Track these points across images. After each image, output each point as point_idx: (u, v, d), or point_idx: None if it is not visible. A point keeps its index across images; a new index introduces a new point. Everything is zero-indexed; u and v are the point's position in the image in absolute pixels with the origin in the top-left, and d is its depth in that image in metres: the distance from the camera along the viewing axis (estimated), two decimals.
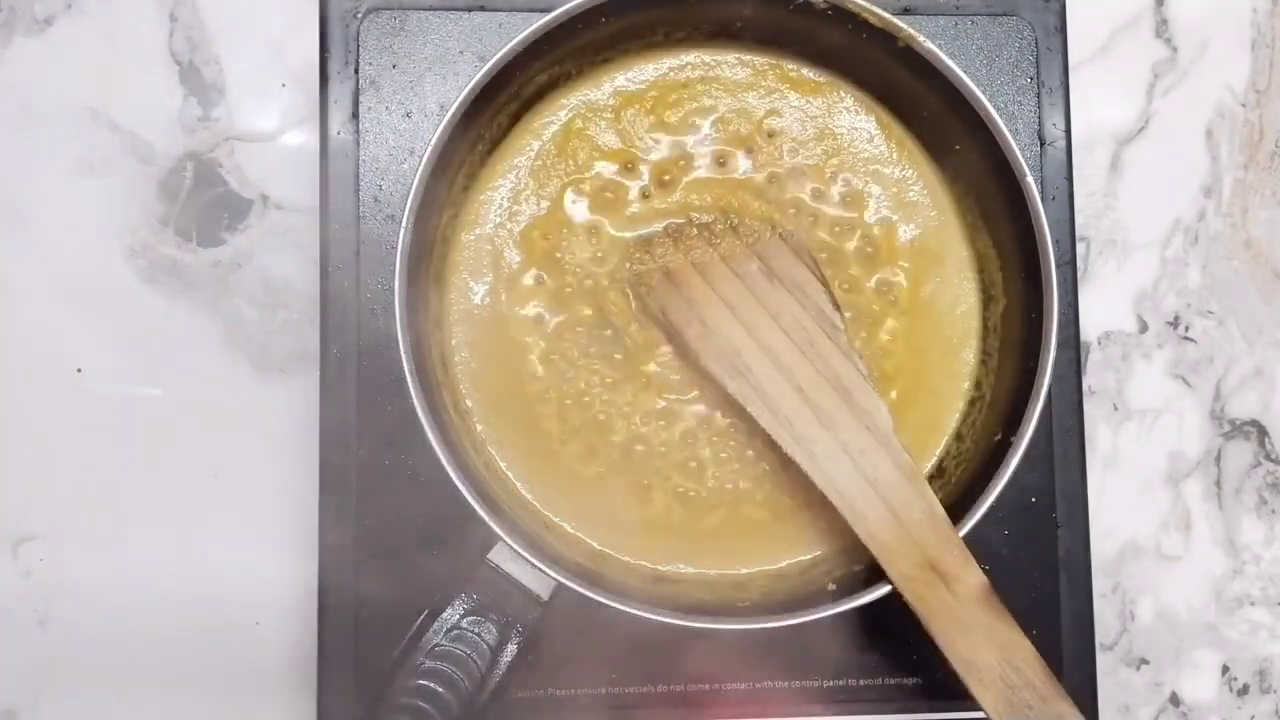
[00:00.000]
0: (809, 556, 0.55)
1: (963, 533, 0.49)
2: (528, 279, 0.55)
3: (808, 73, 0.57)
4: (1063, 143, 0.58)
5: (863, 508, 0.49)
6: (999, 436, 0.51)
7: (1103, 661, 0.61)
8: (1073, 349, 0.57)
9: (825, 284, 0.53)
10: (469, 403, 0.54)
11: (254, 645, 0.59)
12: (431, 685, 0.48)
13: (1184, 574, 0.63)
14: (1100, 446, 0.63)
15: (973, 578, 0.48)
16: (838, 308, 0.52)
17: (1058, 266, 0.50)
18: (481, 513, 0.47)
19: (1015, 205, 0.51)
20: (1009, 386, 0.53)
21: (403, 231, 0.49)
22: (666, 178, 0.56)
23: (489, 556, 0.49)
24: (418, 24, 0.55)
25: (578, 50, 0.54)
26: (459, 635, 0.48)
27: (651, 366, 0.55)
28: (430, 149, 0.49)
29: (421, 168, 0.49)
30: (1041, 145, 0.57)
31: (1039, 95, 0.58)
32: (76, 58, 0.61)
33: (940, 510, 0.49)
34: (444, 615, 0.49)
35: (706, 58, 0.57)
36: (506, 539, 0.48)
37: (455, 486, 0.48)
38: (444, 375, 0.54)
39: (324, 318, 0.54)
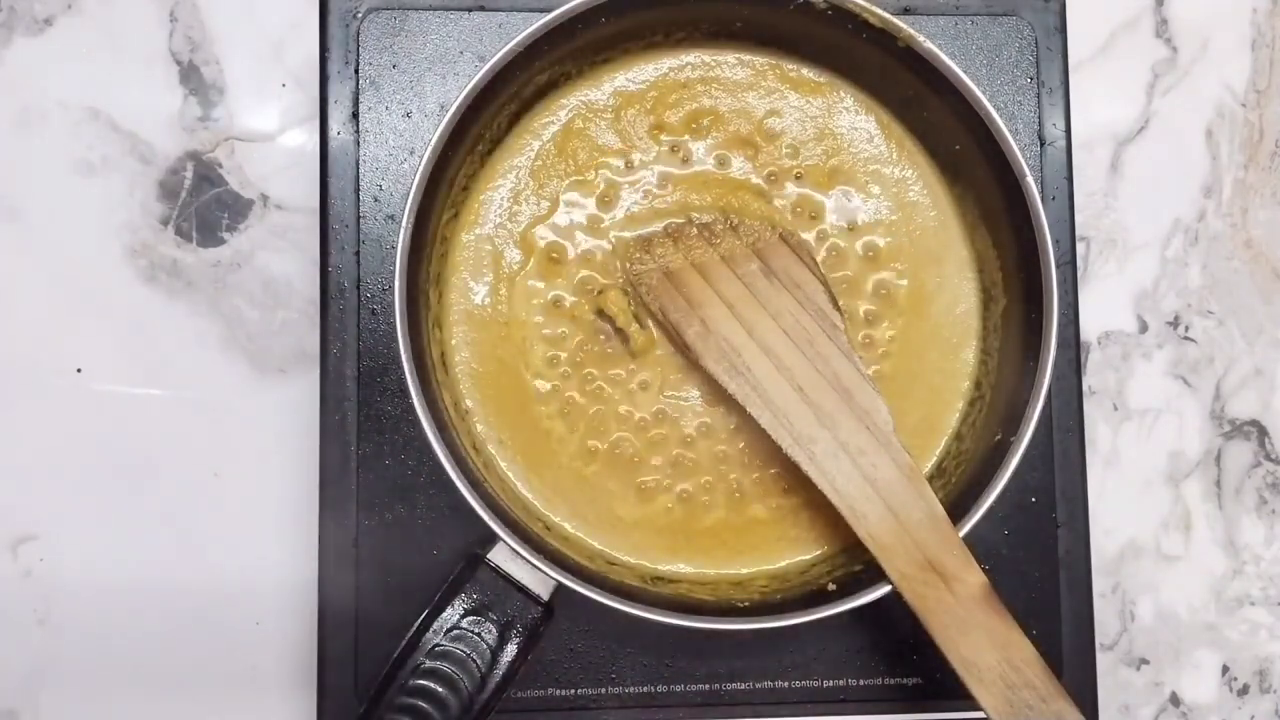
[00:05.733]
0: (809, 556, 0.55)
1: (963, 533, 0.49)
2: (528, 279, 0.55)
3: (808, 73, 0.57)
4: (1063, 143, 0.58)
5: (863, 508, 0.49)
6: (999, 436, 0.51)
7: (1103, 661, 0.61)
8: (1073, 349, 0.57)
9: (825, 284, 0.53)
10: (469, 403, 0.54)
11: (254, 645, 0.59)
12: (431, 685, 0.48)
13: (1184, 574, 0.63)
14: (1100, 446, 0.63)
15: (973, 578, 0.48)
16: (837, 307, 0.52)
17: (1058, 266, 0.50)
18: (481, 513, 0.48)
19: (1015, 205, 0.51)
20: (1009, 386, 0.53)
21: (403, 231, 0.49)
22: (666, 178, 0.56)
23: (489, 556, 0.49)
24: (418, 24, 0.55)
25: (578, 50, 0.54)
26: (459, 635, 0.48)
27: (651, 366, 0.55)
28: (430, 149, 0.49)
29: (421, 168, 0.49)
30: (1041, 145, 0.57)
31: (1039, 95, 0.58)
32: (76, 58, 0.61)
33: (940, 510, 0.49)
34: (444, 615, 0.49)
35: (706, 58, 0.57)
36: (506, 539, 0.48)
37: (455, 486, 0.48)
38: (444, 375, 0.54)
39: (324, 318, 0.54)
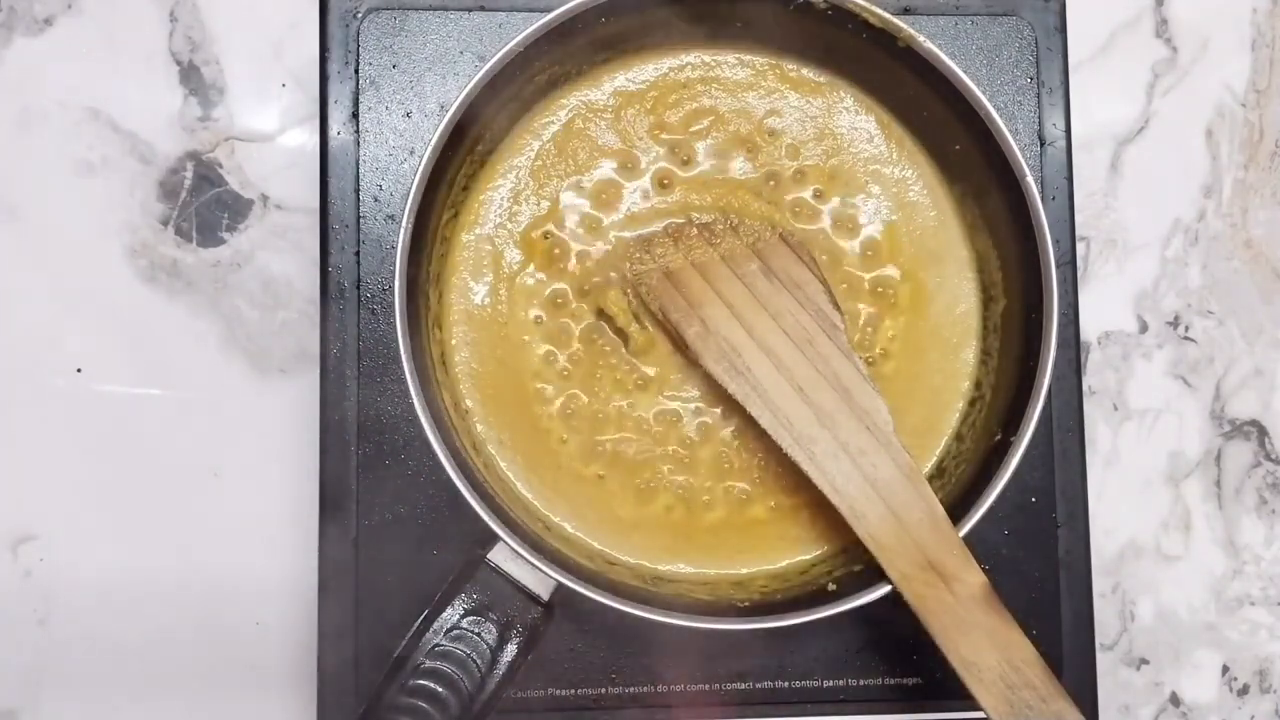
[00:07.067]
0: (809, 556, 0.55)
1: (963, 533, 0.49)
2: (528, 279, 0.55)
3: (808, 73, 0.57)
4: (1063, 143, 0.57)
5: (863, 508, 0.49)
6: (999, 436, 0.51)
7: (1103, 661, 0.61)
8: (1073, 349, 0.57)
9: (825, 284, 0.53)
10: (469, 403, 0.54)
11: (254, 645, 0.59)
12: (431, 685, 0.48)
13: (1184, 574, 0.63)
14: (1100, 446, 0.63)
15: (973, 578, 0.48)
16: (837, 307, 0.52)
17: (1058, 266, 0.50)
18: (481, 513, 0.48)
19: (1015, 205, 0.51)
20: (1009, 386, 0.53)
21: (403, 231, 0.49)
22: (666, 178, 0.56)
23: (489, 556, 0.49)
24: (418, 24, 0.55)
25: (578, 50, 0.54)
26: (459, 635, 0.48)
27: (651, 366, 0.55)
28: (430, 149, 0.49)
29: (421, 168, 0.49)
30: (1041, 145, 0.57)
31: (1039, 95, 0.58)
32: (76, 58, 0.61)
33: (940, 510, 0.49)
34: (444, 615, 0.49)
35: (706, 58, 0.57)
36: (506, 539, 0.48)
37: (455, 486, 0.48)
38: (444, 375, 0.54)
39: (324, 318, 0.54)
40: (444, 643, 0.48)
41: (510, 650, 0.49)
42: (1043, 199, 0.52)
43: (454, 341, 0.55)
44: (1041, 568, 0.56)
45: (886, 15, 0.51)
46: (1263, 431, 0.64)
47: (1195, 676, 0.63)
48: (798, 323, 0.52)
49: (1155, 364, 0.64)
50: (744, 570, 0.55)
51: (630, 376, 0.55)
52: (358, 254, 0.55)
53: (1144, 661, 0.63)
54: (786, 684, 0.55)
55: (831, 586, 0.52)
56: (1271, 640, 0.63)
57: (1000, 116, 0.50)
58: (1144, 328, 0.64)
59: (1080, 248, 0.63)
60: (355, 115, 0.55)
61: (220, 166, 0.61)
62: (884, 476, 0.50)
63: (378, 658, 0.51)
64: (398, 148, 0.55)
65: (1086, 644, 0.56)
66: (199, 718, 0.58)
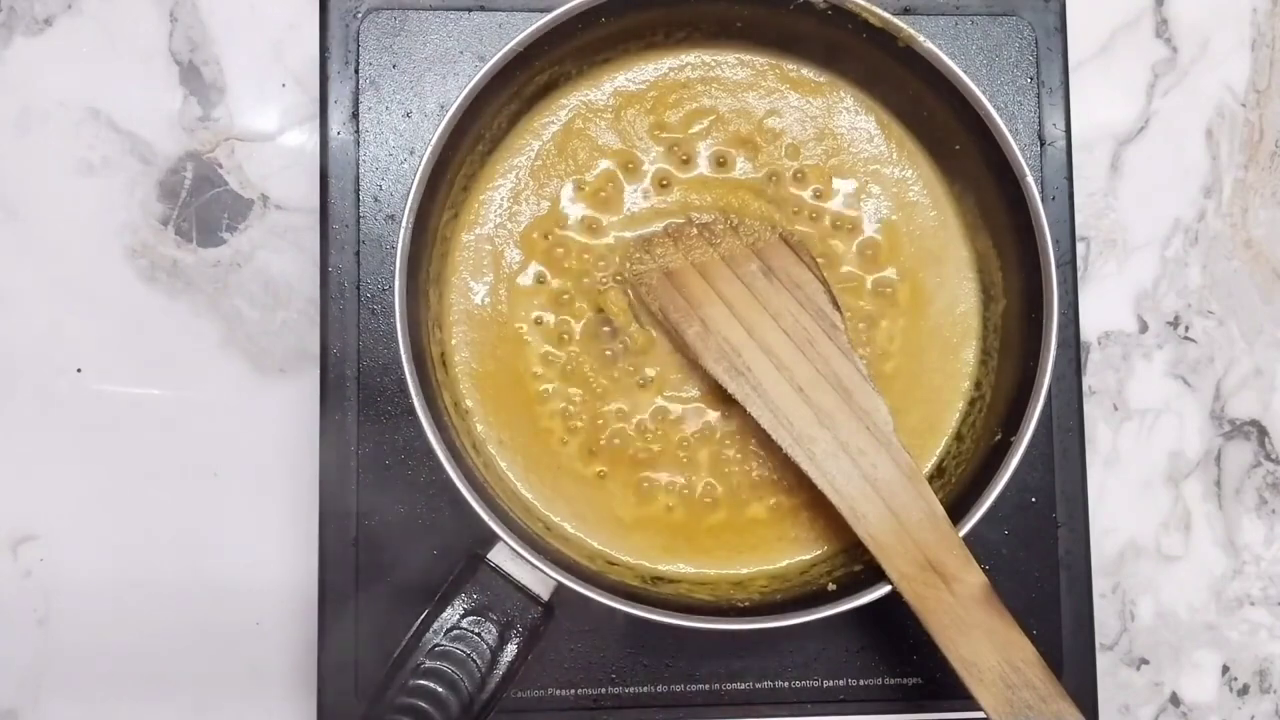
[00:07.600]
0: (809, 556, 0.55)
1: (963, 533, 0.49)
2: (528, 279, 0.55)
3: (808, 73, 0.57)
4: (1063, 143, 0.58)
5: (863, 508, 0.49)
6: (999, 436, 0.51)
7: (1103, 661, 0.61)
8: (1073, 349, 0.57)
9: (825, 284, 0.53)
10: (469, 403, 0.54)
11: (254, 645, 0.59)
12: (431, 685, 0.48)
13: (1184, 574, 0.63)
14: (1100, 446, 0.63)
15: (973, 578, 0.48)
16: (838, 307, 0.52)
17: (1058, 266, 0.50)
18: (481, 513, 0.48)
19: (1015, 205, 0.51)
20: (1009, 386, 0.53)
21: (403, 231, 0.49)
22: (666, 178, 0.56)
23: (489, 556, 0.49)
24: (418, 24, 0.55)
25: (578, 50, 0.54)
26: (459, 635, 0.48)
27: (651, 366, 0.55)
28: (430, 149, 0.49)
29: (421, 168, 0.49)
30: (1041, 145, 0.57)
31: (1039, 95, 0.58)
32: (76, 58, 0.61)
33: (940, 510, 0.49)
34: (444, 615, 0.49)
35: (706, 58, 0.57)
36: (506, 539, 0.48)
37: (455, 486, 0.48)
38: (444, 375, 0.54)
39: (324, 318, 0.54)
40: (444, 643, 0.48)
41: (510, 650, 0.49)
42: (1043, 199, 0.52)
43: (454, 341, 0.55)
44: (1041, 568, 0.56)
45: (886, 15, 0.51)
46: (1263, 431, 0.64)
47: (1195, 676, 0.63)
48: (798, 323, 0.52)
49: (1155, 364, 0.64)
50: (744, 570, 0.55)
51: (630, 376, 0.55)
52: (358, 254, 0.55)
53: (1144, 661, 0.63)
54: (786, 684, 0.55)
55: (831, 586, 0.52)
56: (1271, 640, 0.63)
57: (1000, 116, 0.50)
58: (1144, 328, 0.64)
59: (1080, 248, 0.63)
60: (355, 115, 0.55)
61: (220, 166, 0.61)
62: (884, 476, 0.50)
63: (378, 658, 0.51)
64: (398, 148, 0.55)
65: (1086, 644, 0.56)
66: (199, 718, 0.58)
